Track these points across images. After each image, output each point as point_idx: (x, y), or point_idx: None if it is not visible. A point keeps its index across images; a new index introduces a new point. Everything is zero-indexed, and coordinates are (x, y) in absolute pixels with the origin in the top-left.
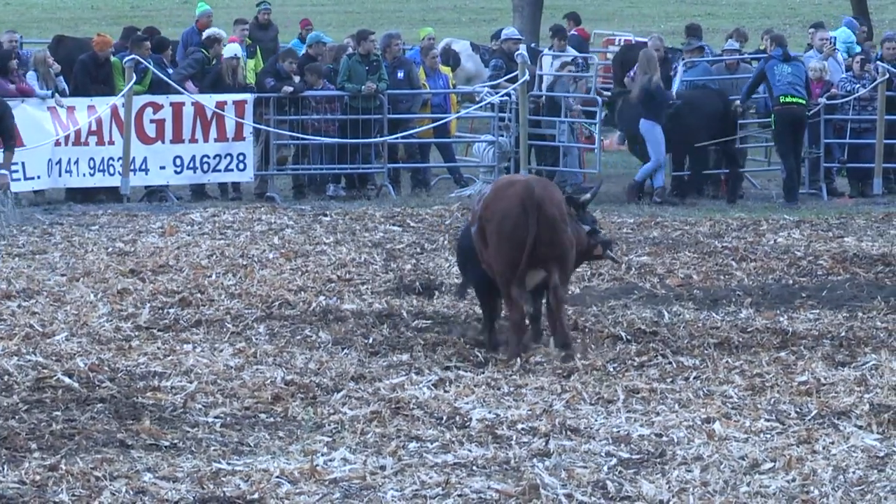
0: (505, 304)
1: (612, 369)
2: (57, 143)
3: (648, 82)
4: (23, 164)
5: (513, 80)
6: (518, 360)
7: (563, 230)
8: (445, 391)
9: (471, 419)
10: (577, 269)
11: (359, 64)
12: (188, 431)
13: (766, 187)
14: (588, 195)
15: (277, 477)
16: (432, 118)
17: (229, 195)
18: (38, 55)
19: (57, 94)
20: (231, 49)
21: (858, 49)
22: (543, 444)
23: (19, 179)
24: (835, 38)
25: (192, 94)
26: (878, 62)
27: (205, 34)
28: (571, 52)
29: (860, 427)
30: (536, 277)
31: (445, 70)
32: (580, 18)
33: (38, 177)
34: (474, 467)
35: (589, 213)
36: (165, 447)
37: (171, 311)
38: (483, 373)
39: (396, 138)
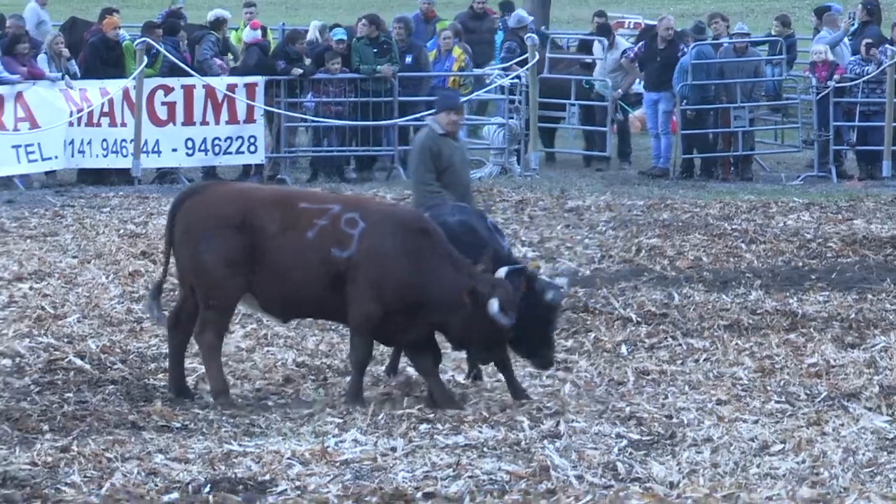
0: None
1: (622, 351)
2: (70, 124)
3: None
4: (39, 144)
5: (524, 63)
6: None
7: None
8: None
9: (481, 400)
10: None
11: (367, 47)
12: (199, 413)
13: (775, 170)
14: (552, 294)
15: (288, 458)
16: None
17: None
18: (49, 39)
19: (67, 77)
20: (250, 33)
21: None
22: (554, 425)
23: (37, 160)
24: (853, 13)
25: (220, 73)
26: (888, 45)
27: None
28: (623, 43)
29: (870, 409)
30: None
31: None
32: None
33: (56, 157)
34: (485, 449)
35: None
36: (177, 429)
37: None
38: None
39: (408, 120)
